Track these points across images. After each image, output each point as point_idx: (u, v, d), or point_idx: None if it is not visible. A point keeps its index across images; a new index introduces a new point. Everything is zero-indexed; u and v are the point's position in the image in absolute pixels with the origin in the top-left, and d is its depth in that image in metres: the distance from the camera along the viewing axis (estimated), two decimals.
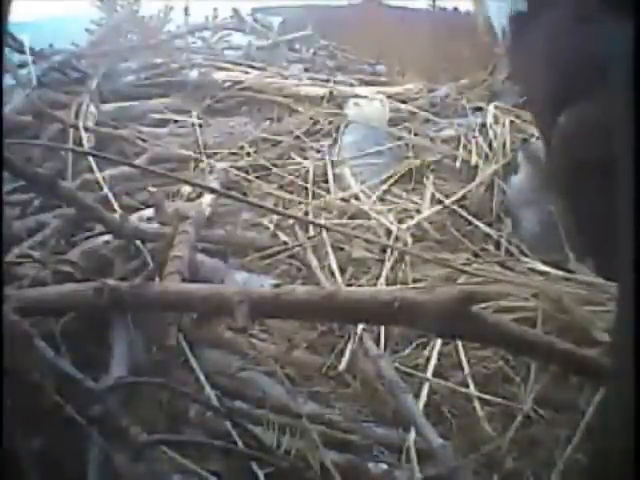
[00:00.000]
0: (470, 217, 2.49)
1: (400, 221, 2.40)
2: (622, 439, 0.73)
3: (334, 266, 2.11)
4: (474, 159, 2.81)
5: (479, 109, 3.26)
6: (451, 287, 1.99)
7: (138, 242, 1.89)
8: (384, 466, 1.50)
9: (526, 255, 2.29)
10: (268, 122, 3.07)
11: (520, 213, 2.44)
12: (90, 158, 2.33)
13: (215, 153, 2.75)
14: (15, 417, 1.10)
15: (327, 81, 3.43)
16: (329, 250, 2.16)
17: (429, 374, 1.75)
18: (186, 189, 2.42)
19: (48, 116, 2.56)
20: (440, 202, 2.55)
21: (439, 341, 1.80)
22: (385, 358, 1.74)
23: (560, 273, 2.14)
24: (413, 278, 2.11)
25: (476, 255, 2.30)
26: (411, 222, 2.40)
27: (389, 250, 2.20)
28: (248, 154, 2.77)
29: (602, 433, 0.85)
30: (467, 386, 1.73)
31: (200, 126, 2.91)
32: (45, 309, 1.56)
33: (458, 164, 2.81)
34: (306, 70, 3.68)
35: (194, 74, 3.23)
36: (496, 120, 3.00)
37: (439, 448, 1.47)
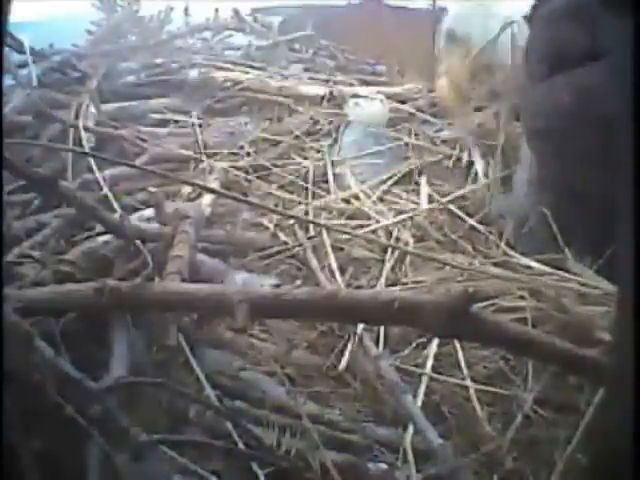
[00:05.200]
0: (467, 217, 2.49)
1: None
2: (622, 439, 0.73)
3: (334, 266, 2.11)
4: (474, 159, 2.82)
5: (479, 109, 3.26)
6: (451, 287, 1.99)
7: (138, 242, 1.89)
8: (384, 466, 1.50)
9: (524, 254, 2.28)
10: (268, 122, 3.07)
11: (517, 212, 2.44)
12: (90, 158, 2.33)
13: (215, 153, 2.75)
14: (15, 417, 1.10)
15: (327, 81, 3.43)
16: (329, 250, 2.16)
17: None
18: (186, 189, 2.42)
19: (48, 116, 2.56)
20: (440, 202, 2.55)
21: (436, 341, 1.80)
22: (385, 358, 1.74)
23: (558, 272, 2.14)
24: (413, 278, 2.11)
25: (475, 255, 2.30)
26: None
27: (389, 250, 2.20)
28: (248, 154, 2.77)
29: (602, 433, 0.85)
30: (467, 386, 1.73)
31: (200, 126, 2.91)
32: (45, 309, 1.56)
33: (454, 164, 2.81)
34: (306, 70, 3.68)
35: (194, 74, 3.23)
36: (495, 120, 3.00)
37: (439, 448, 1.47)
